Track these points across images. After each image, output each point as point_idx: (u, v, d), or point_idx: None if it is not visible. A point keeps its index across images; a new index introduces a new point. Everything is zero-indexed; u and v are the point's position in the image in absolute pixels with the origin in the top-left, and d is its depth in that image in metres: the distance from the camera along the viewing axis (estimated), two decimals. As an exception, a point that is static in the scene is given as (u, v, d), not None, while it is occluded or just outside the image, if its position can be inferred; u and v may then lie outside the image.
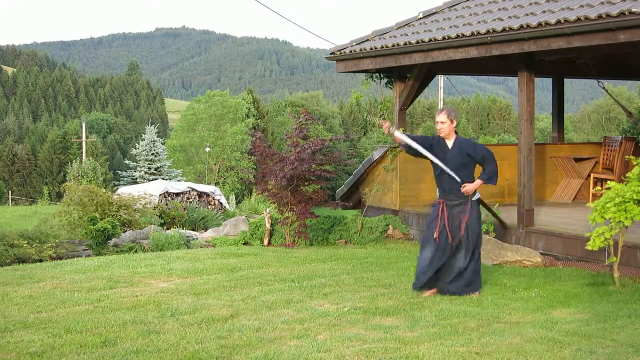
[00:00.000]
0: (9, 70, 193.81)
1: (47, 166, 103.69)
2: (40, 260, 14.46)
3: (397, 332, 7.89)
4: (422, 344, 7.41)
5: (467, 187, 9.85)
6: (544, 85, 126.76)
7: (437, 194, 10.20)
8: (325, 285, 10.50)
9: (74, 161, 67.21)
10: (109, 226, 16.45)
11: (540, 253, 12.75)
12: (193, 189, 31.12)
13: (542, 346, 7.28)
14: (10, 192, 74.83)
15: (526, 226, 13.45)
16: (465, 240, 9.85)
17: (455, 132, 10.08)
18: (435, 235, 9.85)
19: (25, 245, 15.09)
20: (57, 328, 8.09)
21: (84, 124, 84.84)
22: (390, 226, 15.88)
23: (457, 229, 9.87)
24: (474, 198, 9.99)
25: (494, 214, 11.34)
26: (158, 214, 24.01)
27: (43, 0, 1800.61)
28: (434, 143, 10.06)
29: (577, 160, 17.90)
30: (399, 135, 10.03)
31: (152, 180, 48.86)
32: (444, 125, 9.93)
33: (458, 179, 9.85)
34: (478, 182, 9.91)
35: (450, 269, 9.92)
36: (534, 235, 13.25)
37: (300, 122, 15.52)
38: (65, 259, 14.65)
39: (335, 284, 10.67)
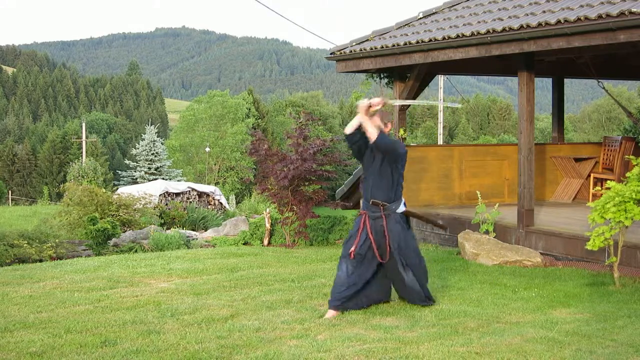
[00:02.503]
0: (9, 70, 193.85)
1: (47, 166, 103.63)
2: (40, 260, 14.48)
3: (397, 332, 7.89)
4: (422, 344, 7.41)
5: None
6: (544, 85, 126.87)
7: (361, 204, 9.25)
8: (326, 285, 10.49)
9: (75, 161, 67.25)
10: (109, 226, 16.46)
11: (540, 253, 12.74)
12: (193, 189, 31.17)
13: (542, 346, 7.27)
14: (10, 192, 74.78)
15: (526, 226, 13.44)
16: (397, 255, 8.90)
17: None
18: (351, 250, 8.87)
19: (25, 245, 15.10)
20: (57, 328, 8.09)
21: (84, 124, 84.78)
22: (390, 226, 15.85)
23: (383, 245, 8.89)
24: (398, 210, 8.99)
25: (430, 221, 10.32)
26: (158, 214, 24.05)
27: (43, 0, 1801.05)
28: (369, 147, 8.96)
29: (577, 160, 17.90)
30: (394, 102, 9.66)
31: (152, 180, 48.86)
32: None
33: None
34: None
35: (387, 284, 9.25)
36: (534, 235, 13.25)
37: (301, 122, 15.52)
38: (65, 259, 14.66)
39: (335, 284, 10.66)
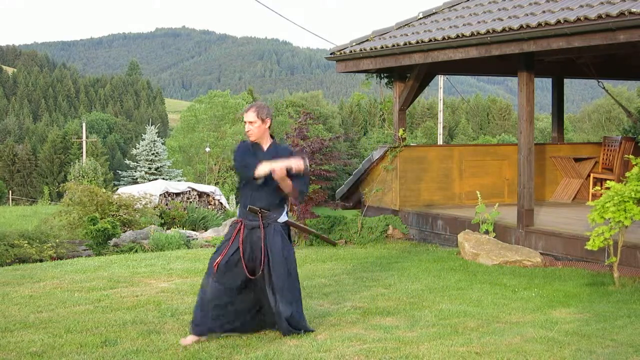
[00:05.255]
0: (9, 70, 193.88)
1: (48, 166, 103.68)
2: (41, 260, 14.49)
3: (397, 332, 7.90)
4: (422, 343, 7.42)
5: (272, 168, 7.48)
6: (543, 85, 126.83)
7: (238, 212, 8.14)
8: (325, 285, 10.51)
9: (75, 161, 67.25)
10: (109, 226, 16.48)
11: (540, 253, 12.74)
12: (193, 189, 31.17)
13: (541, 346, 7.28)
14: (10, 192, 74.80)
15: (526, 226, 13.44)
16: (270, 272, 7.70)
17: (272, 137, 7.90)
18: (217, 261, 7.69)
19: (25, 245, 15.12)
20: (57, 328, 8.10)
21: (84, 124, 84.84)
22: (390, 226, 15.88)
23: (258, 258, 7.69)
24: (280, 220, 7.81)
25: (317, 235, 9.47)
26: (158, 214, 24.05)
27: (43, 1, 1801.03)
28: (250, 151, 7.82)
29: (576, 160, 17.90)
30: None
31: (153, 180, 48.86)
32: (252, 126, 7.71)
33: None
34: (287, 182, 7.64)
35: (256, 308, 7.91)
36: (534, 235, 13.25)
37: (300, 122, 15.52)
38: (66, 259, 14.67)
39: (335, 283, 10.68)
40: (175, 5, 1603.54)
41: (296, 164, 7.54)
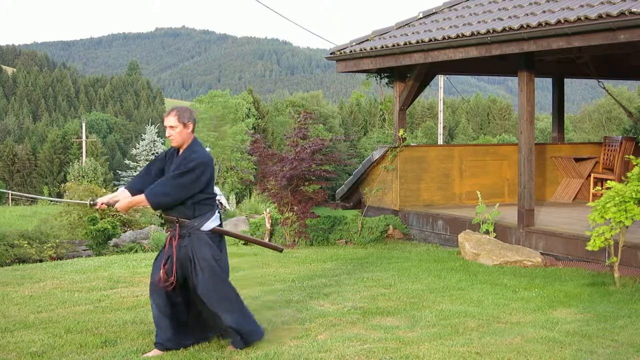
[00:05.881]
0: (9, 70, 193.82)
1: (47, 166, 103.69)
2: (41, 261, 14.49)
3: (398, 332, 7.89)
4: (422, 344, 7.41)
5: (119, 204, 7.30)
6: (544, 85, 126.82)
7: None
8: (326, 286, 10.50)
9: (75, 161, 67.24)
10: (109, 226, 16.47)
11: (541, 253, 12.74)
12: (193, 189, 31.10)
13: (542, 346, 7.27)
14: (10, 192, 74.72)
15: (526, 226, 13.44)
16: (201, 284, 7.22)
17: (195, 140, 7.38)
18: (157, 278, 7.26)
19: (25, 245, 15.12)
20: (57, 328, 8.10)
21: (84, 124, 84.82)
22: (390, 226, 15.87)
23: (187, 268, 7.25)
24: (204, 227, 7.26)
25: (255, 242, 8.67)
26: (158, 214, 24.01)
27: (43, 1, 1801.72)
28: (168, 157, 7.47)
29: (577, 160, 17.90)
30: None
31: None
32: (173, 131, 7.21)
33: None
34: (135, 198, 7.26)
35: (202, 320, 7.52)
36: (534, 235, 13.25)
37: (300, 122, 15.51)
38: (66, 259, 14.67)
39: (336, 284, 10.67)
40: (175, 5, 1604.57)
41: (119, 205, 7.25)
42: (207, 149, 7.34)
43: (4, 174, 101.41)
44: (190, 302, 7.41)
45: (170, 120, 7.19)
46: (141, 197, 7.14)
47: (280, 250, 8.43)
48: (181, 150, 7.30)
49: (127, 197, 7.26)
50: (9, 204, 59.43)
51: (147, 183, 7.26)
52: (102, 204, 7.30)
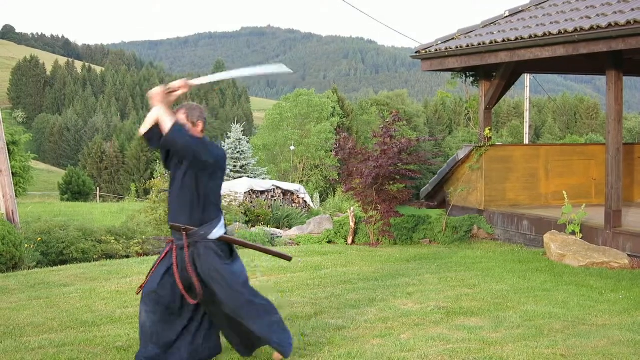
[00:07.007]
0: (98, 69, 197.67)
1: (135, 164, 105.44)
2: (127, 256, 14.72)
3: (481, 333, 7.85)
4: (506, 345, 7.37)
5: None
6: (632, 84, 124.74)
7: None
8: (409, 285, 10.49)
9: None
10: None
11: (628, 255, 12.54)
12: (278, 187, 31.28)
13: (629, 349, 7.17)
14: (98, 189, 76.15)
15: (614, 227, 13.23)
16: (222, 296, 6.59)
17: (204, 138, 6.74)
18: (149, 289, 6.56)
19: (112, 241, 15.36)
20: (144, 323, 8.22)
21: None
22: (475, 226, 15.78)
23: (187, 279, 6.57)
24: (212, 236, 6.61)
25: (263, 250, 7.75)
26: (243, 212, 24.21)
27: (131, 1, 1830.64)
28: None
29: (667, 160, 17.59)
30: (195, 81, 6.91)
31: (238, 178, 49.21)
32: None
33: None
34: (160, 114, 6.46)
35: (208, 332, 6.91)
36: (622, 237, 13.04)
37: (388, 122, 15.48)
38: (152, 255, 14.88)
39: (419, 283, 10.65)
40: (260, 5, 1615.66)
41: (173, 84, 6.60)
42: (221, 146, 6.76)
43: (93, 171, 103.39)
44: (186, 317, 6.74)
45: (179, 119, 6.60)
46: (168, 122, 6.38)
47: (289, 259, 7.68)
48: None
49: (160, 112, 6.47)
50: (96, 201, 60.48)
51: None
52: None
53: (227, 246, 6.74)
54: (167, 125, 6.35)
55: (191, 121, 6.64)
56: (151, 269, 6.67)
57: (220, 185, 6.75)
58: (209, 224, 6.59)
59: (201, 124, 6.69)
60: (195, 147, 6.38)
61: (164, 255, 6.68)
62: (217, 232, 6.63)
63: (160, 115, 6.43)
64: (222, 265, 6.58)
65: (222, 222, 6.72)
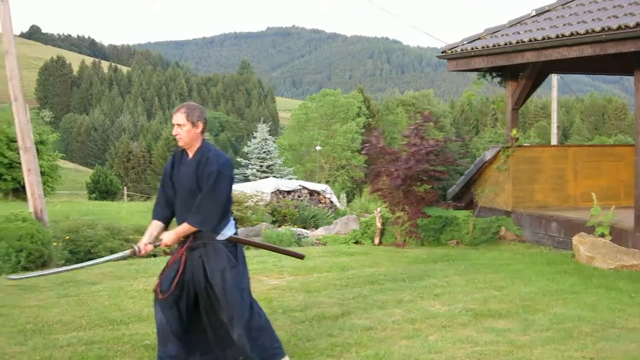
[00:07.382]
0: (124, 69, 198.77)
1: (161, 163, 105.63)
2: (155, 255, 14.75)
3: (510, 335, 7.81)
4: (535, 348, 7.33)
5: (164, 240, 6.60)
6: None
7: None
8: (437, 286, 10.46)
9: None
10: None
11: (658, 257, 12.44)
12: (304, 187, 31.30)
13: (659, 353, 7.12)
14: (125, 188, 76.46)
15: (643, 229, 13.14)
16: (220, 298, 6.52)
17: (205, 142, 6.66)
18: (158, 289, 6.58)
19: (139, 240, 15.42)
20: (172, 323, 8.24)
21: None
22: (502, 227, 15.71)
23: (199, 282, 6.58)
24: (220, 237, 6.54)
25: (274, 249, 7.82)
26: (270, 212, 24.24)
27: (157, 1, 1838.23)
28: (175, 160, 6.74)
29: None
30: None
31: (264, 178, 49.31)
32: (181, 130, 6.53)
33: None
34: (181, 228, 6.51)
35: (217, 337, 6.73)
36: (652, 239, 12.94)
37: (418, 122, 15.43)
38: (178, 254, 14.91)
39: (447, 284, 10.62)
40: (285, 5, 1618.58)
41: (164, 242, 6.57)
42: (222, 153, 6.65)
43: (120, 170, 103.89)
44: (199, 317, 6.74)
45: (179, 118, 6.51)
46: (185, 227, 6.46)
47: (302, 258, 7.78)
48: (191, 154, 6.60)
49: (170, 232, 6.57)
50: (123, 200, 60.67)
51: (170, 203, 6.70)
52: (145, 245, 6.63)
53: (234, 247, 6.64)
54: (191, 229, 6.45)
55: (191, 121, 6.51)
56: (163, 270, 6.67)
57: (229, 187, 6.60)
58: (219, 224, 6.52)
59: (201, 124, 6.55)
60: (219, 204, 6.43)
61: (175, 257, 6.62)
62: (227, 232, 6.58)
63: (178, 234, 6.51)
64: (228, 266, 6.51)
65: (232, 222, 6.66)
